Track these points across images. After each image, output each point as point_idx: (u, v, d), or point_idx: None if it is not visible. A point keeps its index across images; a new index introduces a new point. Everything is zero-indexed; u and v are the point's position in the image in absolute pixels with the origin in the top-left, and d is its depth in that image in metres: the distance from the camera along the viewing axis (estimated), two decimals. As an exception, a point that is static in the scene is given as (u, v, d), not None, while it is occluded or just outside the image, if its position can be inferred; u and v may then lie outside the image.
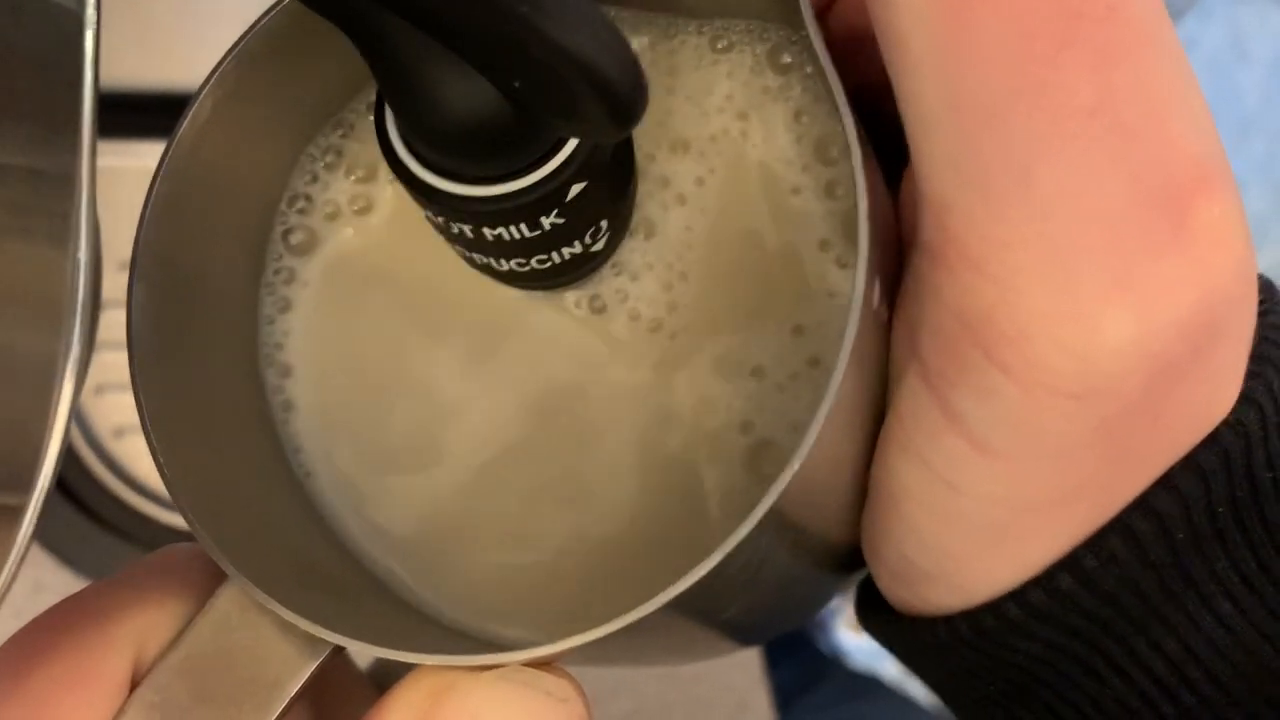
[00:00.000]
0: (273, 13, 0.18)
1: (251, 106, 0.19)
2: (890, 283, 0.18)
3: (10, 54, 0.14)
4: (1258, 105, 1.12)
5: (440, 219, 0.17)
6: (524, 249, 0.18)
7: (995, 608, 0.18)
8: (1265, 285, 0.18)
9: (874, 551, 0.20)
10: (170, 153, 0.18)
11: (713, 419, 0.20)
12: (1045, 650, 0.19)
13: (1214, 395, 0.17)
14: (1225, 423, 0.17)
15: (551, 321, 0.21)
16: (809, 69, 0.20)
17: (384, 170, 0.21)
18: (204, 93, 0.18)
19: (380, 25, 0.14)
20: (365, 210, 0.21)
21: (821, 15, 0.20)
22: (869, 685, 0.67)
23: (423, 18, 0.14)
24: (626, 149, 0.18)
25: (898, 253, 0.19)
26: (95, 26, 0.14)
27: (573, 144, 0.16)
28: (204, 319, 0.20)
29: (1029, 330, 0.15)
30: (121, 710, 0.17)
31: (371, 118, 0.19)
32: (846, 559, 0.21)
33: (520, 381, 0.21)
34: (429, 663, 0.17)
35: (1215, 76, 1.11)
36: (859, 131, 0.17)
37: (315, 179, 0.21)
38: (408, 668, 0.17)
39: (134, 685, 0.18)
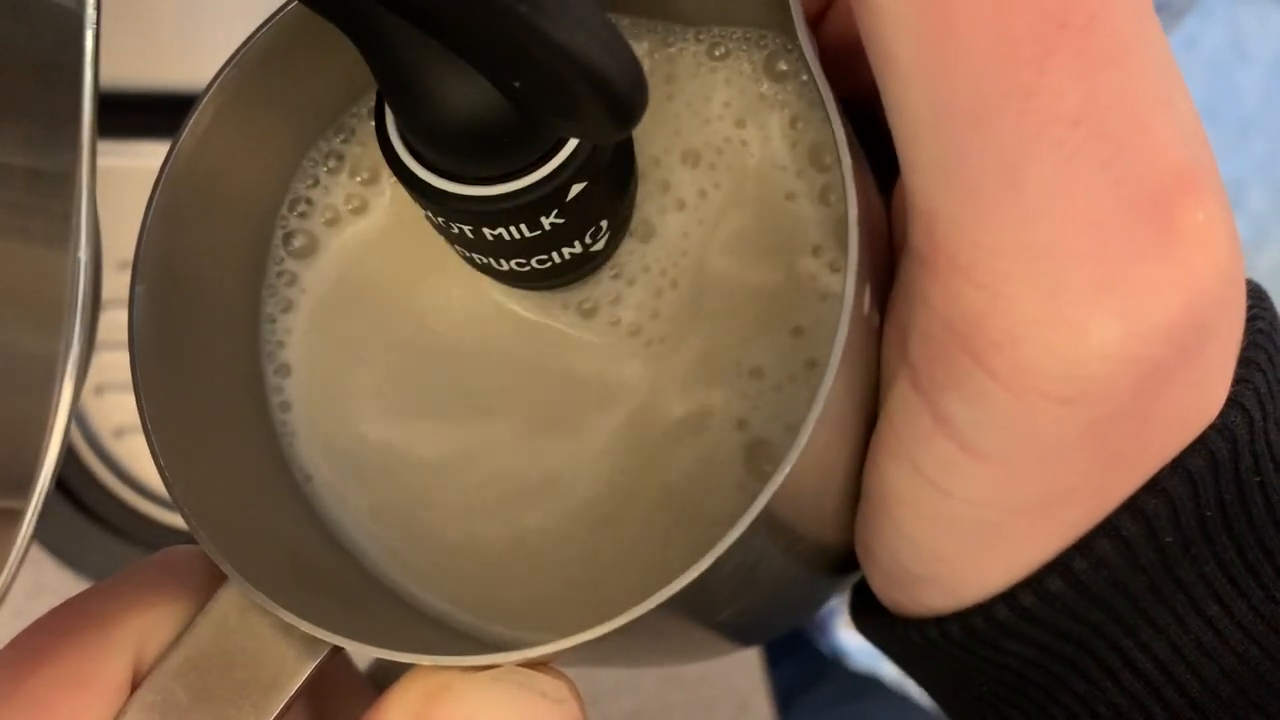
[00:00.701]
0: (272, 22, 0.18)
1: (253, 113, 0.19)
2: (881, 288, 0.18)
3: (10, 54, 0.14)
4: (1258, 105, 1.12)
5: (440, 219, 0.17)
6: (524, 249, 0.18)
7: (985, 609, 0.18)
8: (1254, 291, 0.18)
9: (867, 554, 0.20)
10: (171, 159, 0.18)
11: (710, 418, 0.20)
12: (1036, 651, 0.19)
13: (1202, 399, 0.17)
14: (1213, 427, 0.17)
15: (550, 322, 0.21)
16: (804, 76, 0.20)
17: (386, 173, 0.21)
18: (205, 100, 0.18)
19: (380, 25, 0.14)
20: (363, 210, 0.21)
21: (815, 24, 0.20)
22: (869, 685, 0.67)
23: (423, 18, 0.14)
24: (626, 149, 0.18)
25: (889, 258, 0.19)
26: (95, 26, 0.14)
27: (573, 144, 0.16)
28: (205, 322, 0.20)
29: (1017, 335, 0.15)
30: (121, 711, 0.17)
31: (373, 122, 0.19)
32: (841, 561, 0.22)
33: (518, 383, 0.21)
34: (425, 663, 0.17)
35: (1215, 76, 1.11)
36: (851, 139, 0.17)
37: (317, 183, 0.21)
38: (406, 668, 0.17)
39: (134, 686, 0.18)
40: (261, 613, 0.18)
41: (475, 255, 0.18)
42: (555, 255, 0.18)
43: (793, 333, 0.19)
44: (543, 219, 0.17)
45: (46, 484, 0.14)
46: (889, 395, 0.18)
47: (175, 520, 0.44)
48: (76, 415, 0.43)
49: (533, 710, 0.17)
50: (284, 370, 0.21)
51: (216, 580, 0.18)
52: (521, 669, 0.17)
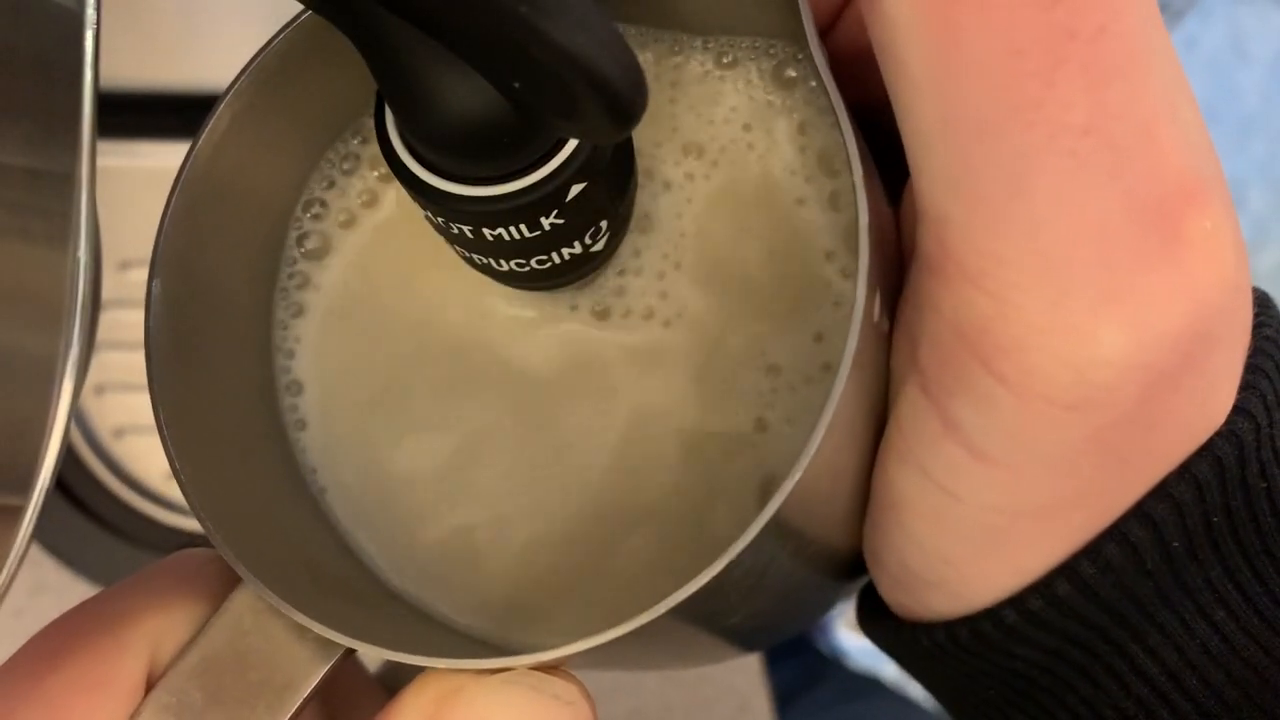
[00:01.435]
0: (289, 28, 0.18)
1: (269, 118, 0.19)
2: (892, 294, 0.18)
3: (10, 54, 0.14)
4: (1258, 105, 1.12)
5: (440, 219, 0.17)
6: (524, 249, 0.18)
7: (994, 614, 0.18)
8: (1261, 298, 0.18)
9: (875, 558, 0.20)
10: (188, 165, 0.18)
11: (723, 420, 0.20)
12: (1043, 656, 0.19)
13: (1208, 405, 0.17)
14: (1219, 433, 0.17)
15: (560, 323, 0.21)
16: (813, 83, 0.20)
17: None
18: (222, 106, 0.18)
19: (380, 26, 0.14)
20: (374, 204, 0.21)
21: (825, 32, 0.20)
22: (869, 686, 0.67)
23: (422, 18, 0.14)
24: (626, 150, 0.18)
25: (898, 265, 0.19)
26: (95, 26, 0.14)
27: (573, 144, 0.16)
28: (219, 326, 0.20)
29: (1025, 342, 0.15)
30: (137, 712, 0.17)
31: None
32: (849, 565, 0.22)
33: (529, 385, 0.21)
34: (438, 666, 0.17)
35: (1215, 77, 1.11)
36: (861, 146, 0.17)
37: (332, 184, 0.21)
38: (417, 671, 0.17)
39: (149, 687, 0.18)
40: (275, 615, 0.18)
41: (475, 255, 0.18)
42: (555, 256, 0.18)
43: (815, 337, 0.20)
44: (542, 219, 0.17)
45: (46, 483, 0.14)
46: (898, 400, 0.18)
47: (175, 520, 0.44)
48: (76, 415, 0.43)
49: (545, 713, 0.17)
50: (295, 373, 0.21)
51: (230, 582, 0.18)
52: (533, 672, 0.17)
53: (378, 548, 0.21)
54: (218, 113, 0.18)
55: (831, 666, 0.70)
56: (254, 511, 0.19)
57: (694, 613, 0.17)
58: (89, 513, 0.44)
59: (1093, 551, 0.18)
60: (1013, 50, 0.14)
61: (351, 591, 0.20)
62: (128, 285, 0.40)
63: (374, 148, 0.21)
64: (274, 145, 0.20)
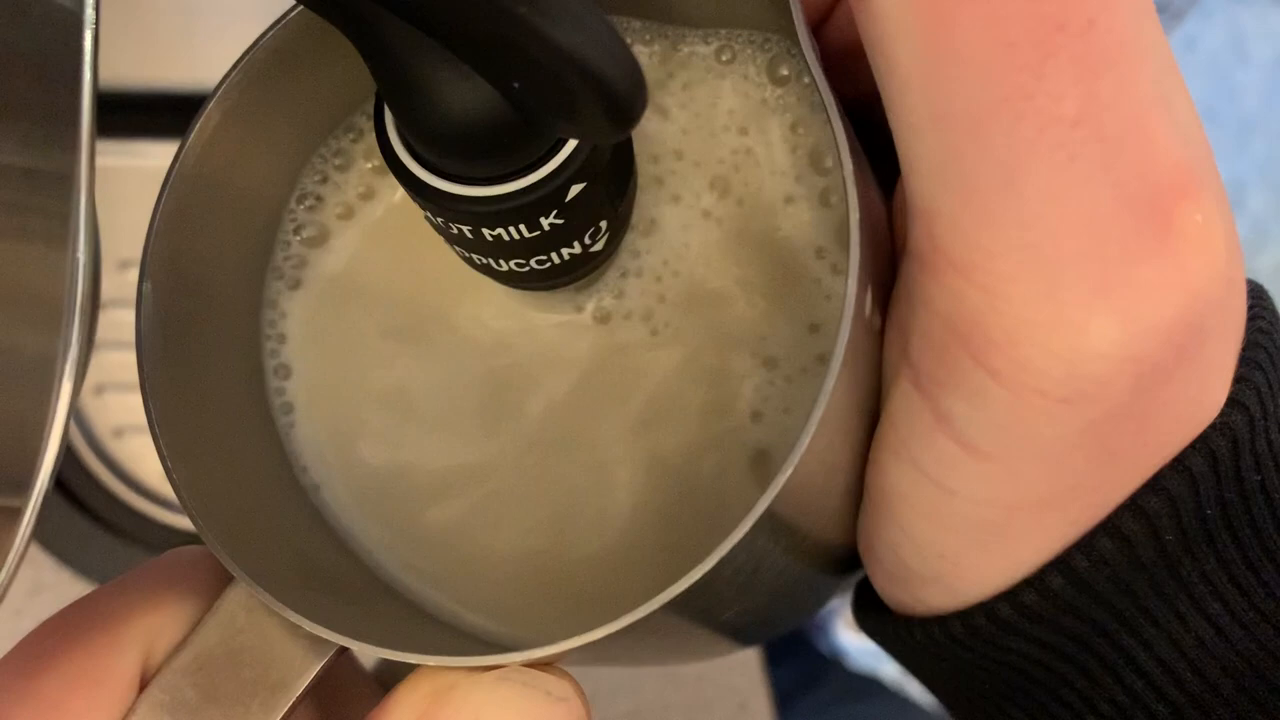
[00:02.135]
0: (279, 25, 0.18)
1: (260, 115, 0.19)
2: (883, 289, 0.18)
3: (10, 54, 0.14)
4: (1258, 106, 1.12)
5: (439, 219, 0.17)
6: (523, 250, 0.18)
7: (988, 608, 0.18)
8: (1255, 290, 0.18)
9: (869, 552, 0.20)
10: (178, 163, 0.18)
11: (719, 413, 0.20)
12: (1038, 650, 0.19)
13: (1201, 398, 0.17)
14: (1214, 426, 0.17)
15: (558, 321, 0.21)
16: (806, 80, 0.20)
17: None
18: (212, 103, 0.18)
19: (379, 26, 0.14)
20: (369, 196, 0.21)
21: (817, 27, 0.20)
22: (869, 685, 0.67)
23: (422, 18, 0.14)
24: (626, 150, 0.18)
25: (890, 260, 0.19)
26: (95, 26, 0.14)
27: (572, 144, 0.16)
28: (210, 324, 0.20)
29: (1016, 336, 0.15)
30: (131, 710, 0.17)
31: None
32: (844, 560, 0.22)
33: (523, 379, 0.21)
34: (431, 663, 0.17)
35: (1215, 77, 1.11)
36: (852, 141, 0.17)
37: (326, 179, 0.21)
38: (411, 668, 0.17)
39: (143, 685, 0.18)
40: (269, 613, 0.18)
41: (474, 256, 0.18)
42: (555, 256, 0.18)
43: (810, 329, 0.20)
44: (542, 219, 0.17)
45: (46, 483, 0.14)
46: (891, 394, 0.18)
47: (175, 520, 0.44)
48: (76, 415, 0.43)
49: (538, 709, 0.17)
50: (285, 372, 0.21)
51: (224, 580, 0.18)
52: (526, 669, 0.17)
53: (371, 544, 0.21)
54: (207, 110, 0.18)
55: (831, 667, 0.70)
56: (247, 509, 0.19)
57: (688, 608, 0.17)
58: (88, 512, 0.44)
59: (1086, 545, 0.18)
60: (1002, 43, 0.14)
61: (345, 588, 0.20)
62: (128, 285, 0.40)
63: (365, 145, 0.21)
64: (266, 142, 0.20)
